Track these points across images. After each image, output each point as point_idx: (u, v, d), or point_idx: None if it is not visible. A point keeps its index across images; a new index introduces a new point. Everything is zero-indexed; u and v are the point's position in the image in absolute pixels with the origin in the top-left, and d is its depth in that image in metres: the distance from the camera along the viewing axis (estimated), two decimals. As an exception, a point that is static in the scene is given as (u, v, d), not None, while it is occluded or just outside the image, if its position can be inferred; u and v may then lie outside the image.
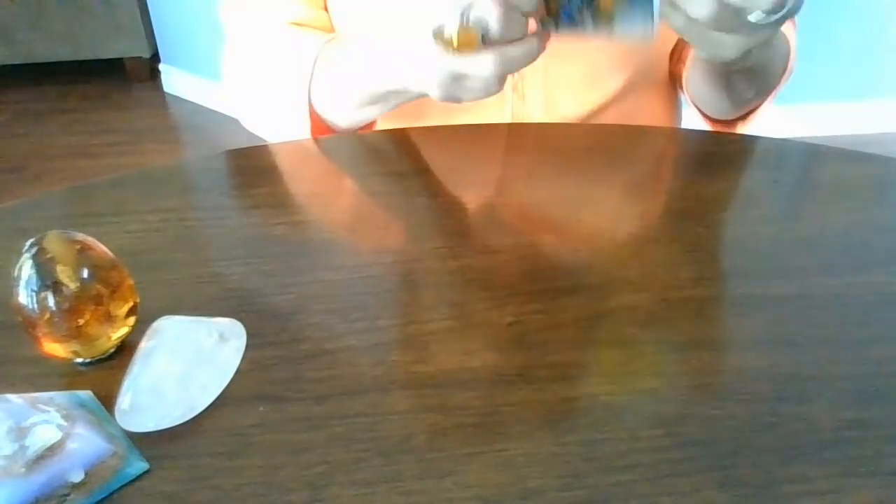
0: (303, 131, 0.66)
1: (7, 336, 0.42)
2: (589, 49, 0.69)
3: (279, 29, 0.71)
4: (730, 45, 0.50)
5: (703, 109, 0.76)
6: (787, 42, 0.68)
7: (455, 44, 0.51)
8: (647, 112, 0.77)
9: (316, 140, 0.64)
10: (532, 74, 0.69)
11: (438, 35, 0.51)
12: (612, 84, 0.71)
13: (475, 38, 0.50)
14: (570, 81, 0.70)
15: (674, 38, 0.73)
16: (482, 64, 0.51)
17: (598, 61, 0.70)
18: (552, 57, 0.69)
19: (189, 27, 2.59)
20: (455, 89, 0.54)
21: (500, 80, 0.54)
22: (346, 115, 0.65)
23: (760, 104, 0.73)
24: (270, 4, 0.72)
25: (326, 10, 0.72)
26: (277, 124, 0.69)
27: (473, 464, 0.34)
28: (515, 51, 0.52)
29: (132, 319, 0.41)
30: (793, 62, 0.76)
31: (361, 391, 0.38)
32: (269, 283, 0.46)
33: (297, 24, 0.72)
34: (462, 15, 0.50)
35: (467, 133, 0.64)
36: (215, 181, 0.59)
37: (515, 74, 0.70)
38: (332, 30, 0.72)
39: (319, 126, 0.67)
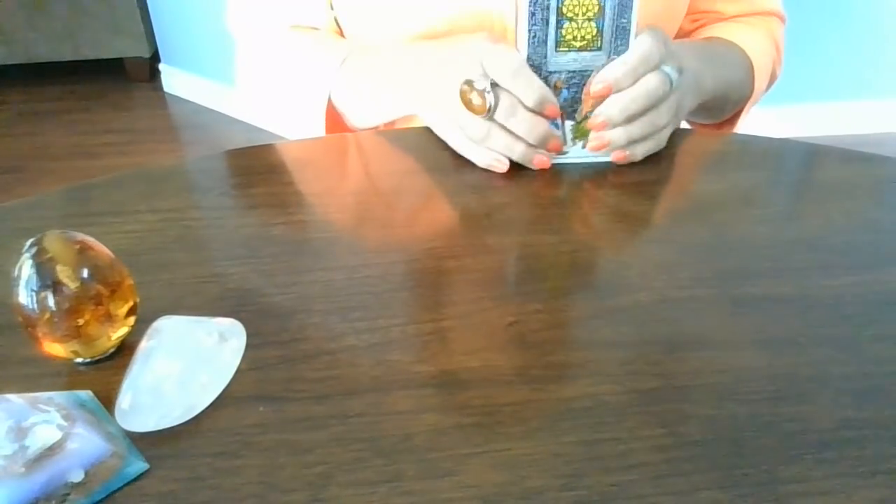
0: (319, 130, 0.70)
1: (7, 336, 0.42)
2: None
3: (294, 32, 0.73)
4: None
5: None
6: (747, 67, 0.73)
7: (468, 101, 0.56)
8: None
9: (316, 140, 0.64)
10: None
11: (466, 87, 0.56)
12: None
13: (483, 107, 0.56)
14: None
15: (668, 28, 0.73)
16: (474, 127, 0.57)
17: None
18: None
19: (189, 27, 2.59)
20: (451, 134, 0.60)
21: (480, 151, 0.59)
22: (366, 121, 0.70)
23: (734, 118, 0.78)
24: (282, 7, 0.73)
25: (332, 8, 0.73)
26: (297, 124, 0.73)
27: (473, 464, 0.34)
28: (501, 140, 0.57)
29: (132, 319, 0.41)
30: (779, 67, 0.78)
31: (361, 391, 0.38)
32: (269, 283, 0.46)
33: (310, 28, 0.73)
34: (484, 80, 0.55)
35: (467, 133, 0.64)
36: (215, 181, 0.59)
37: None
38: (340, 30, 0.73)
39: (338, 125, 0.70)
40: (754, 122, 2.18)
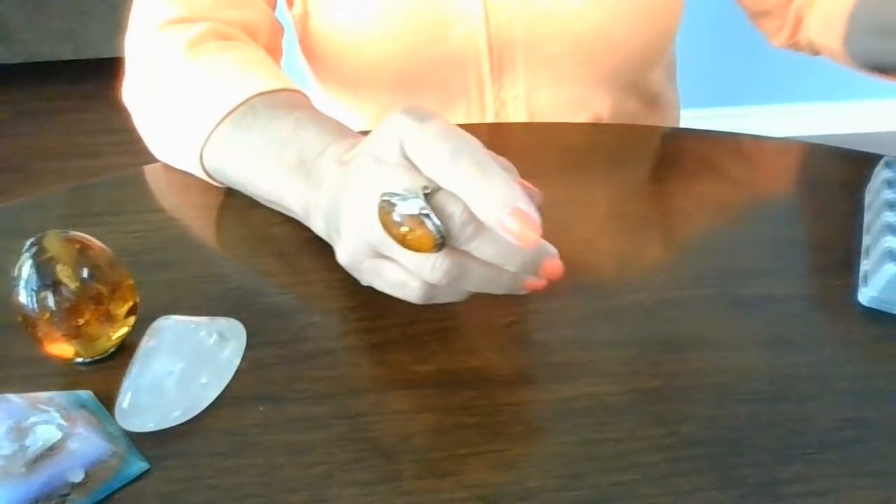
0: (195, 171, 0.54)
1: (7, 336, 0.41)
2: (573, 72, 0.67)
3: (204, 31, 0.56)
4: None
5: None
6: None
7: (400, 235, 0.34)
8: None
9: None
10: (514, 101, 0.68)
11: (385, 210, 0.34)
12: (598, 106, 0.70)
13: (429, 241, 0.34)
14: (555, 106, 0.69)
15: (661, 48, 0.71)
16: (428, 270, 0.36)
17: (581, 84, 0.68)
18: (534, 86, 0.67)
19: (189, 27, 2.59)
20: (361, 265, 0.39)
21: (450, 292, 0.39)
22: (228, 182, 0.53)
23: None
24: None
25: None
26: (172, 154, 0.57)
27: (473, 464, 0.34)
28: (480, 274, 0.37)
29: (132, 319, 0.41)
30: None
31: (361, 391, 0.38)
32: (269, 283, 0.46)
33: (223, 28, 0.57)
34: (412, 193, 0.33)
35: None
36: (215, 181, 0.59)
37: (498, 100, 0.68)
38: (265, 26, 0.62)
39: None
40: (754, 122, 2.18)
